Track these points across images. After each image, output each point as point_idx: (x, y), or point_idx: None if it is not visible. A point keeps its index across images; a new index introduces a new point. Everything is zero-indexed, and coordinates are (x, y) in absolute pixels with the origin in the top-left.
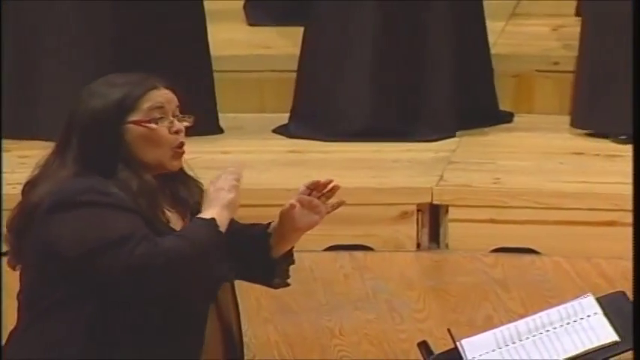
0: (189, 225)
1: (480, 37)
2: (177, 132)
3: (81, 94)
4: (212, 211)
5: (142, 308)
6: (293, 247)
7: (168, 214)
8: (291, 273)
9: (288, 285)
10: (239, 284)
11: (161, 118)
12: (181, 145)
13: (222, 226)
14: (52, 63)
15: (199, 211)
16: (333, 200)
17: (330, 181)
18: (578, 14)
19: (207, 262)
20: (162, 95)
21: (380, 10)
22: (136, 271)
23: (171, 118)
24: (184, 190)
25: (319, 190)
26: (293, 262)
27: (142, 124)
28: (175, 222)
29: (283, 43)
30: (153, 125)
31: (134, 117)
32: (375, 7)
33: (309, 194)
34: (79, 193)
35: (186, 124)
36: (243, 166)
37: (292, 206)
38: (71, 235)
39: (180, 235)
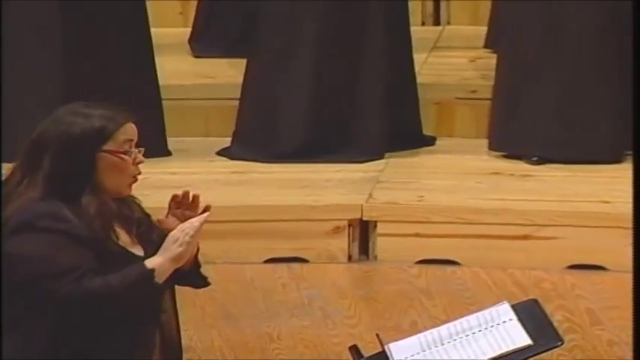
0: (129, 269)
1: (407, 67)
2: (138, 163)
3: (53, 119)
4: (158, 259)
5: (85, 329)
6: (196, 255)
7: (118, 230)
8: (205, 274)
9: (209, 284)
10: (188, 293)
11: (129, 149)
12: (139, 174)
13: (161, 276)
14: (6, 88)
15: (145, 224)
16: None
17: (188, 193)
18: (486, 46)
19: (127, 308)
20: (133, 129)
21: (316, 41)
22: (77, 299)
23: (135, 150)
24: (126, 208)
25: (184, 203)
26: (200, 266)
27: (117, 154)
28: (124, 238)
29: (226, 74)
30: (125, 156)
31: (109, 146)
32: (312, 38)
33: (178, 208)
34: (37, 218)
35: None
36: (207, 215)
37: (159, 221)
38: (23, 258)
39: (113, 278)
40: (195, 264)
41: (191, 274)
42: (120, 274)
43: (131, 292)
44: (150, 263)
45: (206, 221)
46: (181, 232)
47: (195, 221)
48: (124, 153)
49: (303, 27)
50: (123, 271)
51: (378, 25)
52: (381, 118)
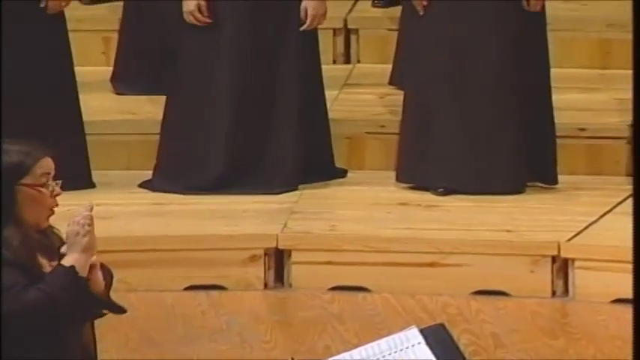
0: (51, 273)
1: (319, 104)
2: (56, 195)
3: None
4: (72, 257)
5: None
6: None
7: (40, 260)
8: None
9: (125, 311)
10: (112, 320)
11: (47, 182)
12: (56, 206)
13: (82, 269)
14: None
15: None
16: None
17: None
18: (391, 83)
19: (67, 306)
20: (49, 163)
21: (231, 78)
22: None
23: (52, 183)
24: (47, 239)
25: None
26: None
27: (35, 187)
28: (47, 267)
29: (146, 110)
30: (43, 189)
31: (27, 180)
32: (227, 76)
33: None
34: None
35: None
36: (92, 206)
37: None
38: None
39: (44, 285)
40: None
41: (104, 302)
42: (46, 282)
43: (64, 292)
44: (67, 262)
45: (128, 251)
46: (78, 225)
47: (83, 211)
48: (42, 186)
49: (218, 65)
50: (46, 279)
51: (290, 63)
52: (295, 151)
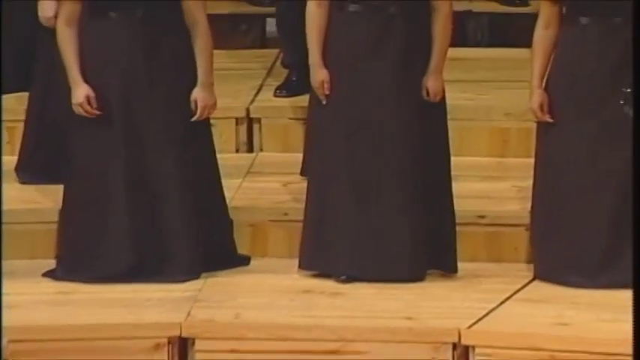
0: None
1: (216, 191)
2: None
3: None
4: None
5: None
6: None
7: None
8: None
9: None
10: None
11: None
12: None
13: None
14: None
15: None
16: None
17: None
18: (302, 174)
19: None
20: None
21: (125, 169)
22: None
23: None
24: None
25: None
26: None
27: None
28: None
29: (51, 199)
30: None
31: None
32: (122, 167)
33: None
34: None
35: None
36: None
37: None
38: None
39: None
40: None
41: None
42: None
43: None
44: None
45: (32, 340)
46: None
47: None
48: None
49: (111, 157)
50: None
51: (182, 155)
52: (197, 240)
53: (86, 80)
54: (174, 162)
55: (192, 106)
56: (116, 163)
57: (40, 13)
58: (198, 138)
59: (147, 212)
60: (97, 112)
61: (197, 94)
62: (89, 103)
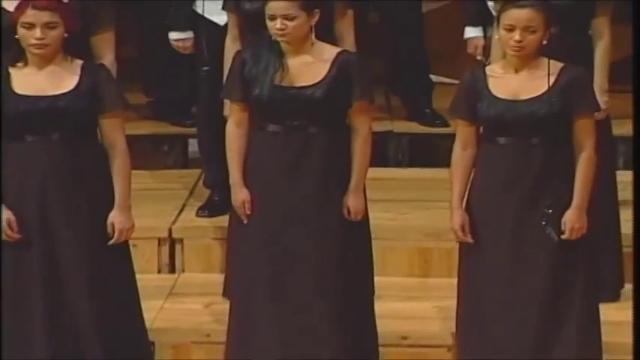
0: None
1: (135, 317)
2: None
3: None
4: None
5: None
6: None
7: None
8: None
9: None
10: None
11: None
12: None
13: None
14: None
15: None
16: None
17: None
18: (224, 295)
19: None
20: None
21: (47, 285)
22: None
23: None
24: None
25: None
26: None
27: None
28: None
29: None
30: None
31: None
32: (42, 284)
33: None
34: None
35: None
36: None
37: None
38: None
39: None
40: None
41: None
42: None
43: None
44: None
45: None
46: None
47: None
48: None
49: (31, 277)
50: None
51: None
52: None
53: (6, 204)
54: (91, 284)
55: (110, 229)
56: (34, 286)
57: None
58: (116, 261)
59: (65, 335)
60: (17, 236)
61: (114, 217)
62: (10, 227)
